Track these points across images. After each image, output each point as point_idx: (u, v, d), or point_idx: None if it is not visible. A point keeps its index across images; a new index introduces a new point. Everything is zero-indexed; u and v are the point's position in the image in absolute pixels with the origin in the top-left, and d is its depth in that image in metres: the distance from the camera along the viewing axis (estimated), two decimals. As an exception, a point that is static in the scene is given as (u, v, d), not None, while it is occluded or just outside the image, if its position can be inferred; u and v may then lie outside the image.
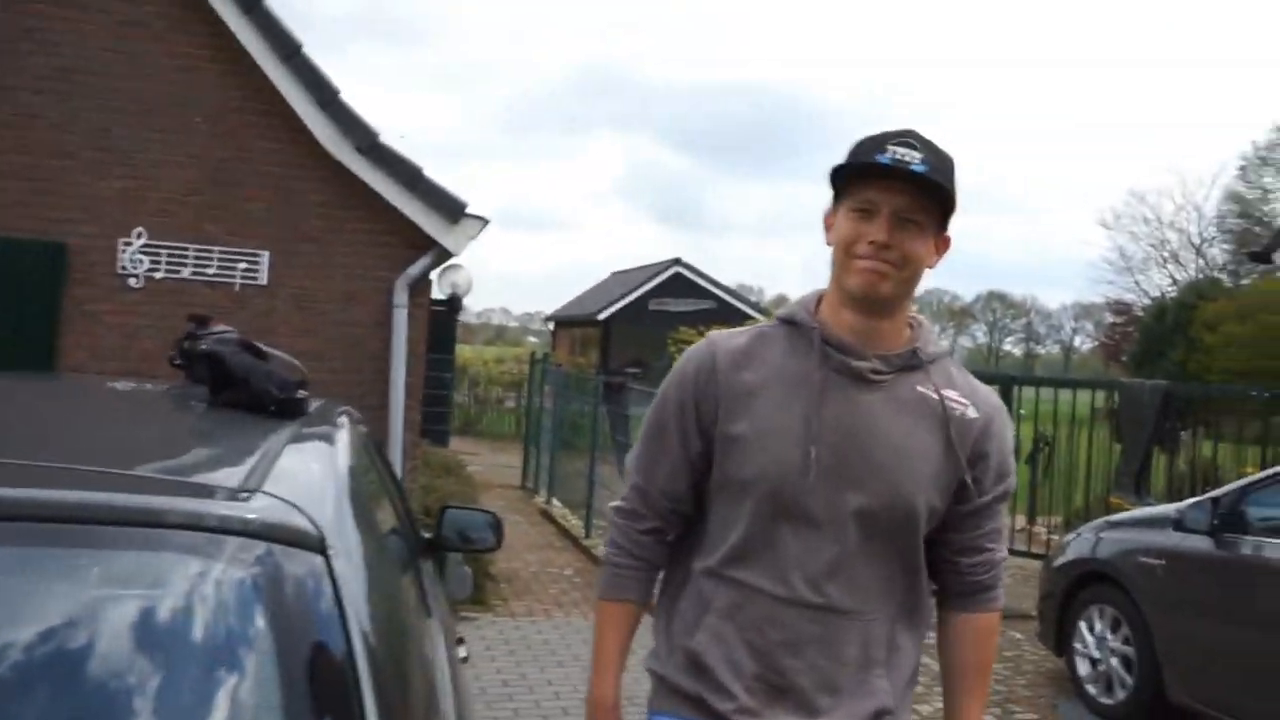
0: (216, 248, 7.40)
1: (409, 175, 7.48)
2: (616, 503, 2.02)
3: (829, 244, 1.87)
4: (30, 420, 2.09)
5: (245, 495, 1.53)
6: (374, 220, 7.59)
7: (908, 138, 1.80)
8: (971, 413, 1.89)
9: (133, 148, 7.27)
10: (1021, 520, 9.71)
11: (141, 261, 7.29)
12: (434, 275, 8.10)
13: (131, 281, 7.29)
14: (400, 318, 7.59)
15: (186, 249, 7.36)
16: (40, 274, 7.12)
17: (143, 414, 2.39)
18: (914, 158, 1.77)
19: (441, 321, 8.26)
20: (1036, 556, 8.66)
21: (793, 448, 1.81)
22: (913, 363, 1.88)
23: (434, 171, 7.53)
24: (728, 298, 27.28)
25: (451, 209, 7.56)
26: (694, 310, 24.76)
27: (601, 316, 26.01)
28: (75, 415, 2.24)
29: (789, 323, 1.91)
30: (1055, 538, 8.77)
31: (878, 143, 1.80)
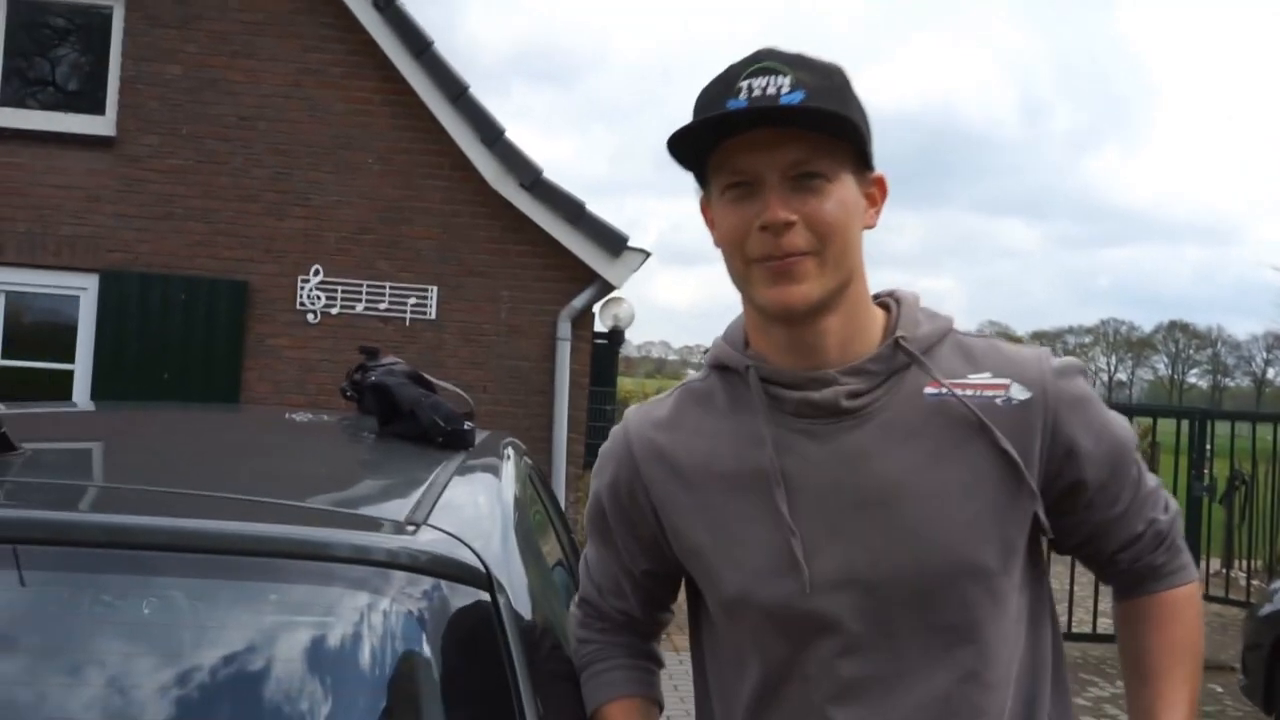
0: (388, 284, 7.62)
1: (572, 210, 7.55)
2: (576, 599, 1.60)
3: (717, 245, 1.33)
4: (207, 452, 2.12)
5: (412, 529, 1.50)
6: (538, 255, 7.69)
7: (765, 61, 1.24)
8: (1019, 393, 1.29)
9: (309, 189, 7.57)
10: (1217, 564, 9.09)
11: (318, 298, 7.56)
12: (596, 308, 8.14)
13: (309, 317, 7.57)
14: (564, 350, 7.65)
15: (360, 285, 7.61)
16: (225, 311, 7.47)
17: (314, 445, 2.41)
18: (781, 85, 1.21)
19: (603, 354, 8.29)
20: (1236, 603, 8.07)
21: (768, 546, 1.28)
22: (900, 362, 1.30)
23: (593, 206, 7.59)
24: (891, 329, 26.68)
25: (613, 242, 7.58)
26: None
27: (762, 349, 25.83)
28: (249, 446, 2.28)
29: (721, 368, 1.39)
30: (1256, 583, 8.15)
31: (725, 84, 1.24)
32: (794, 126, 1.22)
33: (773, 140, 1.22)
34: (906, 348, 1.30)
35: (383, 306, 7.63)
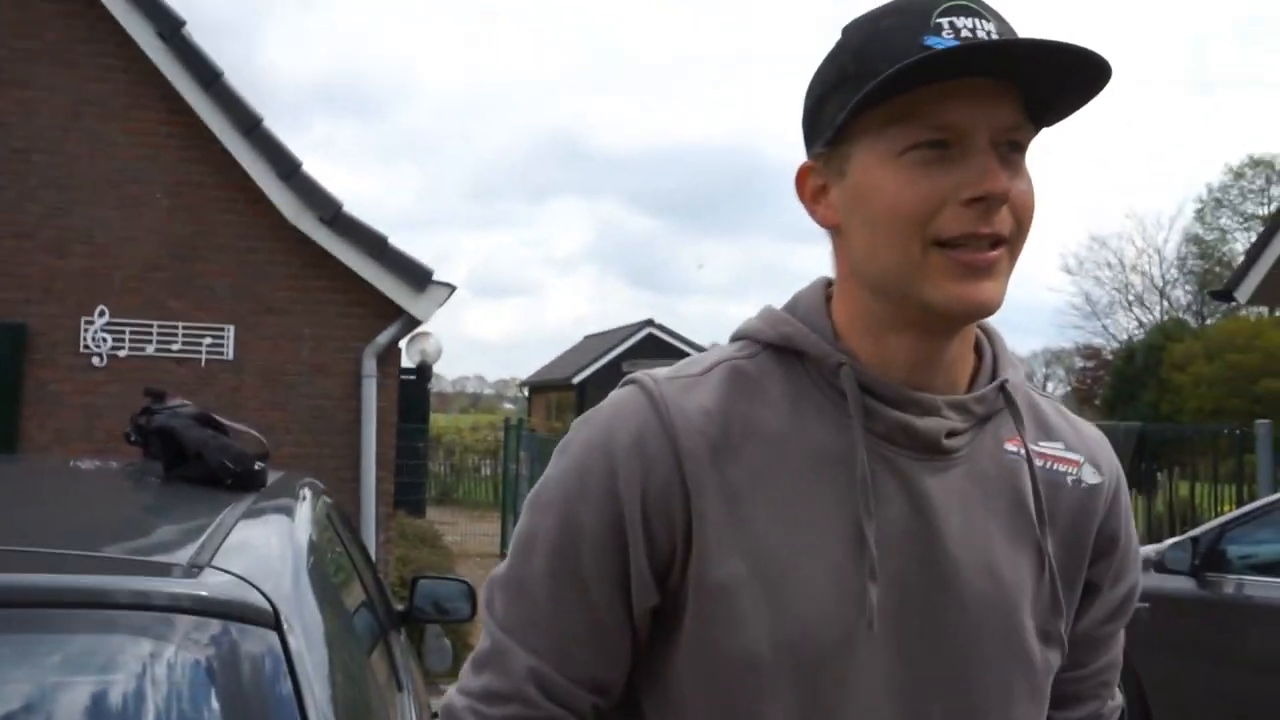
0: (180, 323, 7.33)
1: (374, 244, 7.46)
2: (468, 696, 1.04)
3: (824, 224, 1.07)
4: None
5: (195, 571, 1.48)
6: (340, 291, 7.55)
7: None
8: (1090, 475, 1.12)
9: (92, 226, 7.22)
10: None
11: (105, 340, 7.21)
12: (403, 344, 8.05)
13: (94, 360, 7.20)
14: (370, 388, 7.52)
15: (150, 326, 7.29)
16: (1, 355, 7.02)
17: (96, 492, 2.33)
18: (990, 30, 0.97)
19: (413, 390, 8.21)
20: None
21: (832, 591, 1.01)
22: (996, 407, 1.09)
23: (401, 241, 7.54)
24: (701, 356, 27.39)
25: (418, 277, 7.53)
26: (668, 370, 24.85)
27: (576, 380, 26.06)
28: (27, 495, 2.18)
29: (784, 351, 1.08)
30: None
31: (916, 16, 0.98)
32: (1013, 79, 0.97)
33: (987, 93, 0.97)
34: (1011, 395, 1.09)
35: (175, 348, 7.33)
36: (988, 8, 0.99)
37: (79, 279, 7.19)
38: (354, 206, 7.50)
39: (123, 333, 7.25)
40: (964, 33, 0.96)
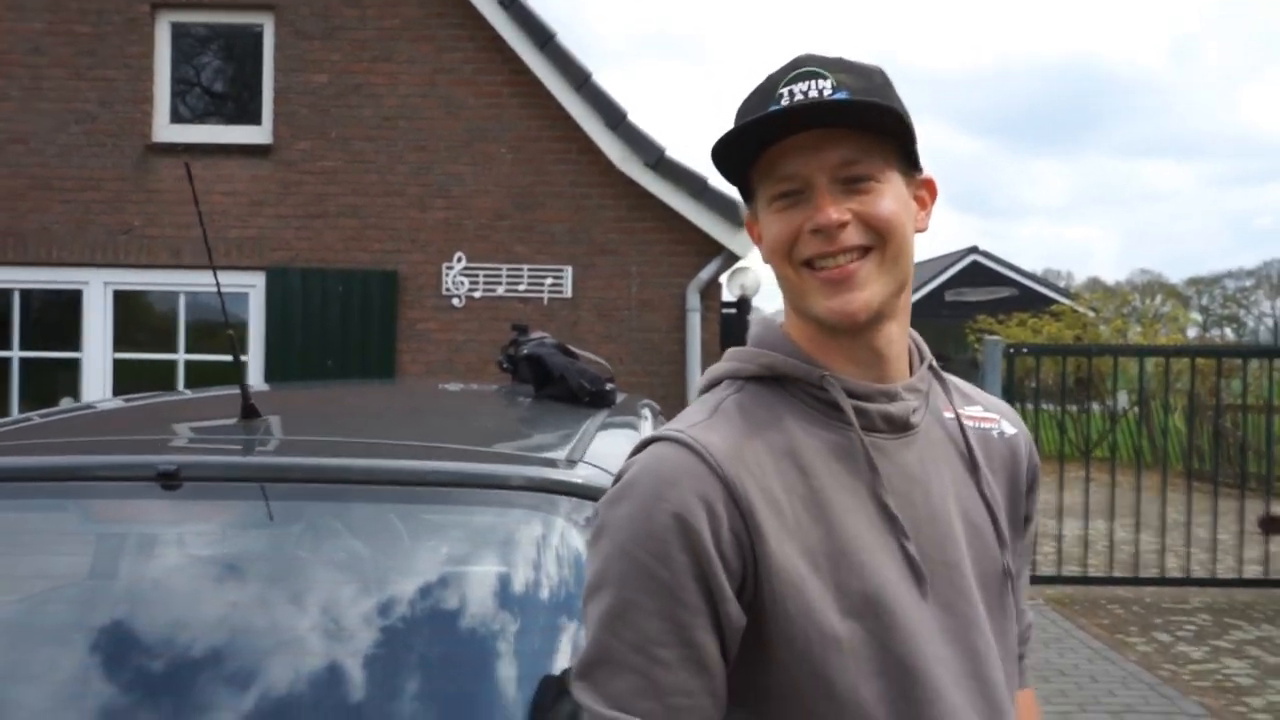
0: (525, 266, 8.09)
1: (694, 186, 7.87)
2: None
3: (766, 261, 1.27)
4: (399, 412, 2.54)
5: (571, 465, 1.85)
6: (664, 230, 8.04)
7: (806, 66, 1.20)
8: (1008, 428, 1.37)
9: (449, 181, 8.09)
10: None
11: (462, 283, 8.09)
12: (723, 279, 8.45)
13: (454, 301, 8.10)
14: (694, 321, 7.99)
15: (500, 269, 8.09)
16: (378, 299, 8.05)
17: (483, 407, 2.82)
18: (823, 88, 1.17)
19: (733, 322, 8.58)
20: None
21: (885, 562, 1.17)
22: (930, 384, 1.31)
23: (720, 181, 7.87)
24: (1031, 284, 26.32)
25: (736, 214, 7.87)
26: (994, 299, 24.05)
27: (895, 310, 25.61)
28: (432, 409, 2.69)
29: (766, 379, 1.26)
30: None
31: (766, 93, 1.21)
32: (840, 125, 1.18)
33: (819, 141, 1.18)
34: (938, 371, 1.31)
35: (521, 288, 8.10)
36: (830, 62, 1.21)
37: (439, 229, 8.09)
38: (679, 146, 7.92)
39: (477, 276, 8.10)
40: (797, 97, 1.18)
